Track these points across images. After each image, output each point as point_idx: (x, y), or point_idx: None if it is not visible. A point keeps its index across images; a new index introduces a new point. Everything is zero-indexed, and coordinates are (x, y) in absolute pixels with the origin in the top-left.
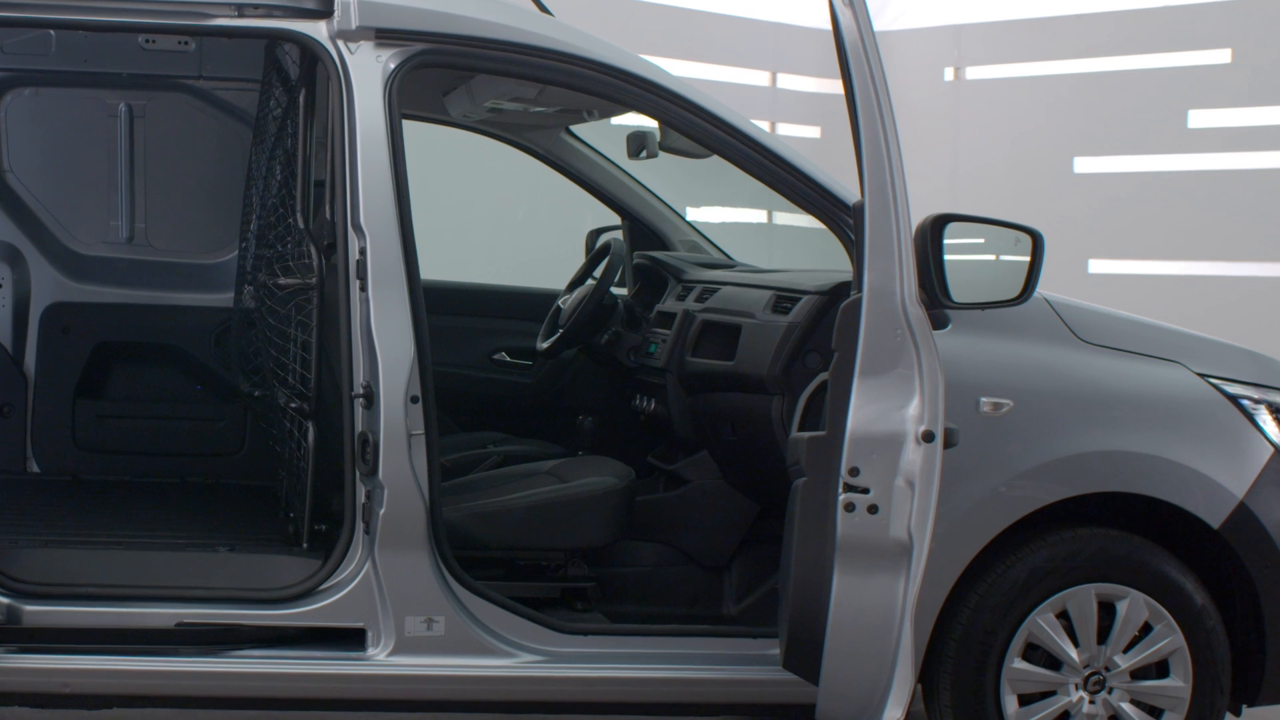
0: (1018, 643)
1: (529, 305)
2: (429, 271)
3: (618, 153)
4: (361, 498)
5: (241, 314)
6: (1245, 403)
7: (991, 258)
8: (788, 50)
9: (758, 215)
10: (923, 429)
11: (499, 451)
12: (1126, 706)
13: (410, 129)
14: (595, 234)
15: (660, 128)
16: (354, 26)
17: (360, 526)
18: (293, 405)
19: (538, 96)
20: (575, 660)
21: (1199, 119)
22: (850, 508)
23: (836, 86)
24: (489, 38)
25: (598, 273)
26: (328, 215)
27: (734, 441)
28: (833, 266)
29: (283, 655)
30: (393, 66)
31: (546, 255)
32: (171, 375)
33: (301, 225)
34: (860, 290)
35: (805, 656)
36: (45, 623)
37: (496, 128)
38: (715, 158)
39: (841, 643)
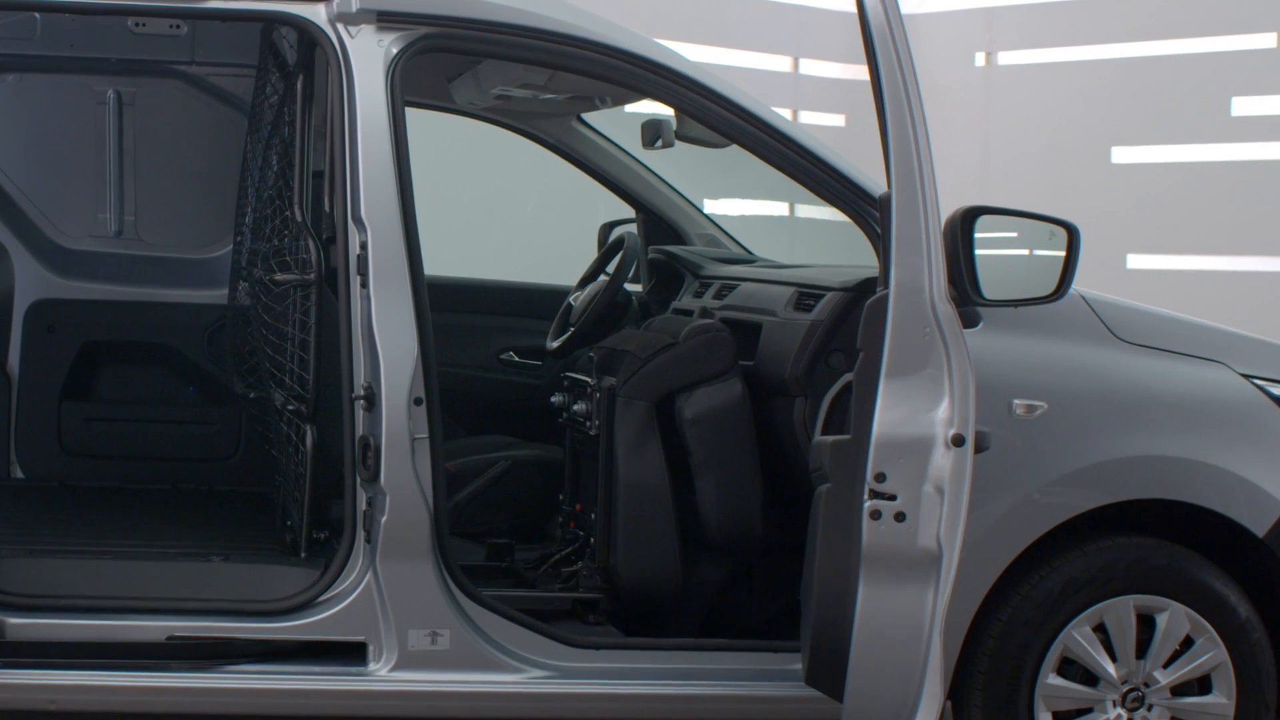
0: (1052, 657)
1: (538, 302)
2: (433, 267)
3: (632, 142)
4: (362, 505)
5: (236, 311)
6: None
7: (1025, 252)
8: (811, 34)
9: (779, 208)
10: (952, 432)
11: (507, 456)
12: None
13: (413, 117)
14: (608, 227)
15: (677, 116)
16: (354, 9)
17: (361, 535)
18: (290, 407)
19: (548, 83)
20: (586, 676)
21: (1243, 106)
22: (876, 515)
23: (862, 72)
24: (496, 20)
25: (611, 268)
26: (327, 208)
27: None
28: (858, 261)
29: (279, 670)
30: (395, 51)
31: (557, 250)
32: (162, 376)
33: (299, 218)
34: (887, 286)
35: (829, 672)
36: (29, 636)
37: (504, 116)
38: (734, 147)
39: (867, 657)
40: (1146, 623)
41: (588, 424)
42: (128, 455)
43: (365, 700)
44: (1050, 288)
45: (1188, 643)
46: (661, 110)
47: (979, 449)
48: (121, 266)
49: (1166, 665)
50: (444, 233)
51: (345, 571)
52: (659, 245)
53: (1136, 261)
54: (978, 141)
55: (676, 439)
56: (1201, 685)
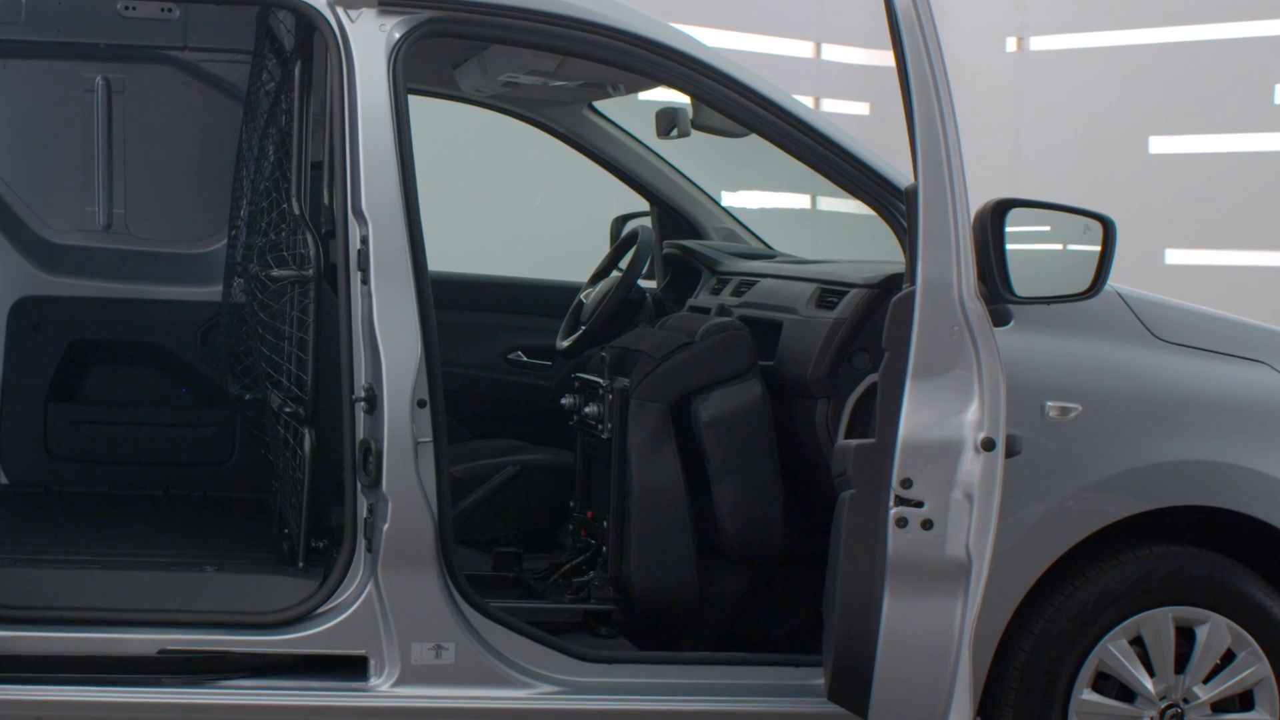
0: (1087, 672)
1: (548, 299)
2: (437, 262)
3: (646, 131)
4: (363, 512)
5: (231, 309)
6: None
7: (1058, 247)
8: (833, 18)
9: (800, 200)
10: (982, 436)
11: (515, 461)
12: None
13: (417, 105)
14: (621, 221)
15: (693, 104)
16: None
17: (362, 543)
18: (287, 409)
19: (558, 69)
20: (598, 691)
21: None
22: (902, 523)
23: (887, 58)
24: (503, 4)
25: (624, 264)
26: (326, 200)
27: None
28: (883, 257)
29: (276, 686)
30: (397, 36)
31: (567, 244)
32: (154, 376)
33: (297, 211)
34: (913, 283)
35: (853, 687)
36: (15, 649)
37: (512, 104)
38: (753, 137)
39: (892, 672)
40: (1185, 635)
41: (599, 427)
42: (117, 460)
43: (366, 717)
44: (1085, 284)
45: (1229, 656)
46: (677, 98)
47: (1010, 453)
48: (110, 262)
49: (1207, 680)
50: (448, 227)
51: (345, 582)
52: (674, 240)
53: (1175, 256)
54: (1009, 131)
55: (693, 443)
56: (1243, 701)
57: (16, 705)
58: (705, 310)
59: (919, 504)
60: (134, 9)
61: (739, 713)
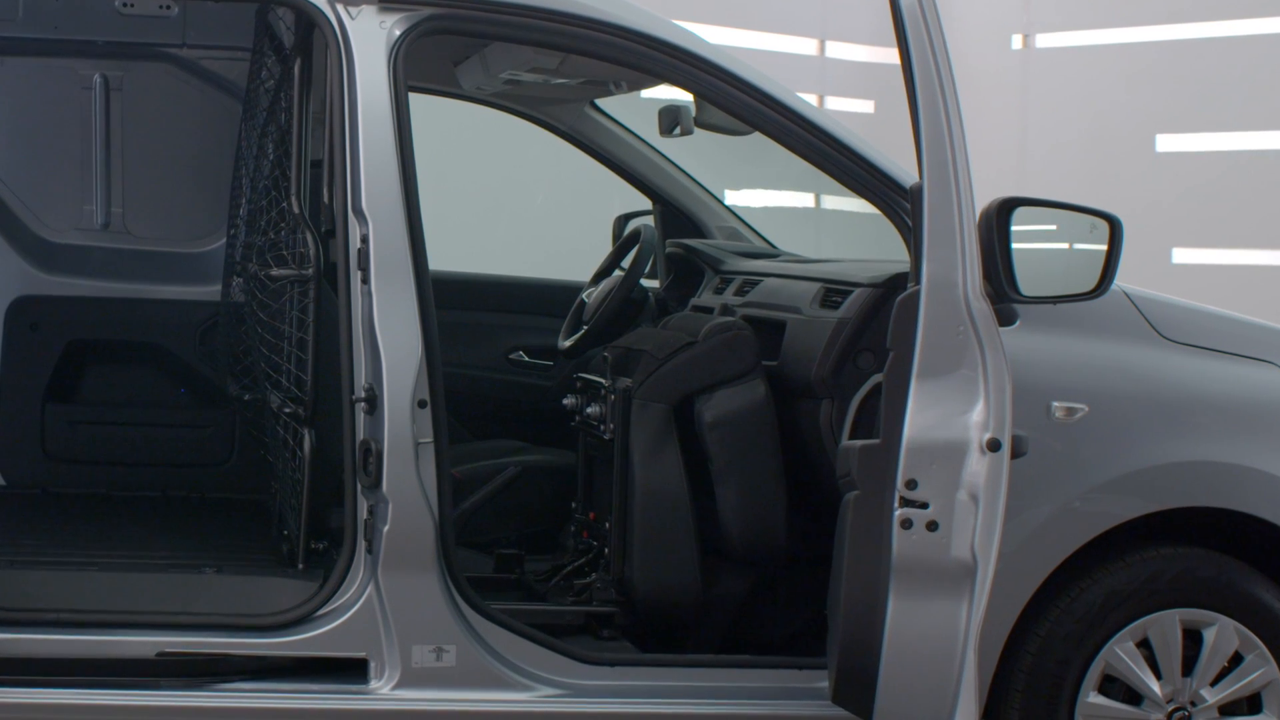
0: (1093, 674)
1: (550, 299)
2: (438, 262)
3: (649, 129)
4: (363, 513)
5: (230, 309)
6: None
7: (1064, 246)
8: (837, 16)
9: (804, 199)
10: (988, 437)
11: (516, 462)
12: None
13: (417, 103)
14: (623, 220)
15: (696, 102)
16: None
17: (362, 545)
18: (287, 410)
19: (560, 67)
20: (600, 694)
21: None
22: (907, 524)
23: (892, 55)
24: (505, 1)
25: (626, 263)
26: (326, 199)
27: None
28: (887, 256)
29: (275, 688)
30: (398, 33)
31: (569, 244)
32: (152, 377)
33: (296, 210)
34: (918, 282)
35: (857, 690)
36: (11, 652)
37: (514, 102)
38: (757, 135)
39: (897, 675)
40: (1193, 638)
41: (602, 428)
42: (115, 460)
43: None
44: (1091, 283)
45: (1236, 659)
46: (680, 96)
47: (1016, 454)
48: (108, 261)
49: (1214, 683)
50: (449, 225)
51: (345, 584)
52: (677, 239)
53: (1182, 256)
54: (1014, 129)
55: (695, 444)
56: (1251, 704)
57: (14, 708)
58: (708, 310)
59: (924, 505)
60: (132, 6)
61: (742, 715)
